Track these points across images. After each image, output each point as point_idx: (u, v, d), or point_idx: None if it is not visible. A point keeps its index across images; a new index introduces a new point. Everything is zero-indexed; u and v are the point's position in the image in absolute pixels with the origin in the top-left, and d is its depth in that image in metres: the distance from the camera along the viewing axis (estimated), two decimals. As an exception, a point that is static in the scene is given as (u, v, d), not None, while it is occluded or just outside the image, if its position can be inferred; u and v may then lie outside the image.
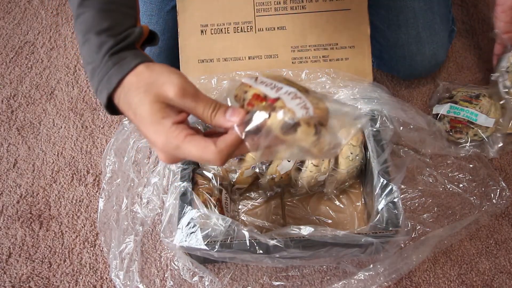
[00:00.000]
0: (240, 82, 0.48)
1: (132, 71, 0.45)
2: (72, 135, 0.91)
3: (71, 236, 0.79)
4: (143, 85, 0.44)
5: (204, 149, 0.42)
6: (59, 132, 0.92)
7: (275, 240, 0.60)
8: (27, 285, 0.74)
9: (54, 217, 0.81)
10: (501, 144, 0.85)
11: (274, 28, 0.80)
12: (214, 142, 0.43)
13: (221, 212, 0.68)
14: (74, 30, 0.52)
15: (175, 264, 0.73)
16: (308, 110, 0.42)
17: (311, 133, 0.42)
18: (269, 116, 0.42)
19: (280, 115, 0.41)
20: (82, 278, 0.75)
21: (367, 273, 0.67)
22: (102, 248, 0.76)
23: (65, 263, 0.76)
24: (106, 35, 0.47)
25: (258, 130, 0.43)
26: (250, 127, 0.43)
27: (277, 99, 0.43)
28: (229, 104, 0.46)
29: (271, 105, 0.43)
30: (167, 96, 0.43)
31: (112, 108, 0.47)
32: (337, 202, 0.78)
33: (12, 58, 1.03)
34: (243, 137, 0.43)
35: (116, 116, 0.93)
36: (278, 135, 0.42)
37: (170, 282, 0.72)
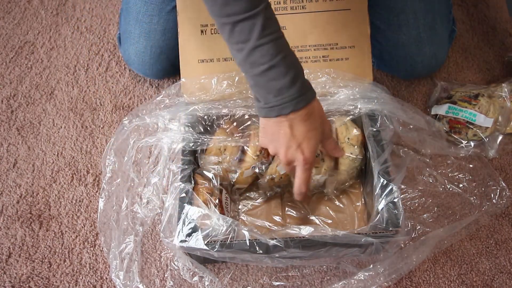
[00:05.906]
0: None
1: (314, 99, 0.62)
2: (72, 135, 0.91)
3: (71, 236, 0.79)
4: (321, 115, 0.64)
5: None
6: (59, 132, 0.92)
7: (275, 240, 0.60)
8: (27, 285, 0.74)
9: (54, 217, 0.81)
10: (500, 144, 0.85)
11: (274, 28, 0.80)
12: None
13: (222, 212, 0.68)
14: (244, 58, 0.59)
15: (175, 264, 0.72)
16: None
17: None
18: None
19: None
20: (82, 278, 0.75)
21: (367, 273, 0.67)
22: (102, 248, 0.76)
23: (65, 263, 0.76)
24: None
25: None
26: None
27: None
28: None
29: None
30: (328, 129, 0.67)
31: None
32: (337, 202, 0.78)
33: (12, 58, 1.03)
34: None
35: (116, 116, 0.93)
36: None
37: (170, 282, 0.72)
